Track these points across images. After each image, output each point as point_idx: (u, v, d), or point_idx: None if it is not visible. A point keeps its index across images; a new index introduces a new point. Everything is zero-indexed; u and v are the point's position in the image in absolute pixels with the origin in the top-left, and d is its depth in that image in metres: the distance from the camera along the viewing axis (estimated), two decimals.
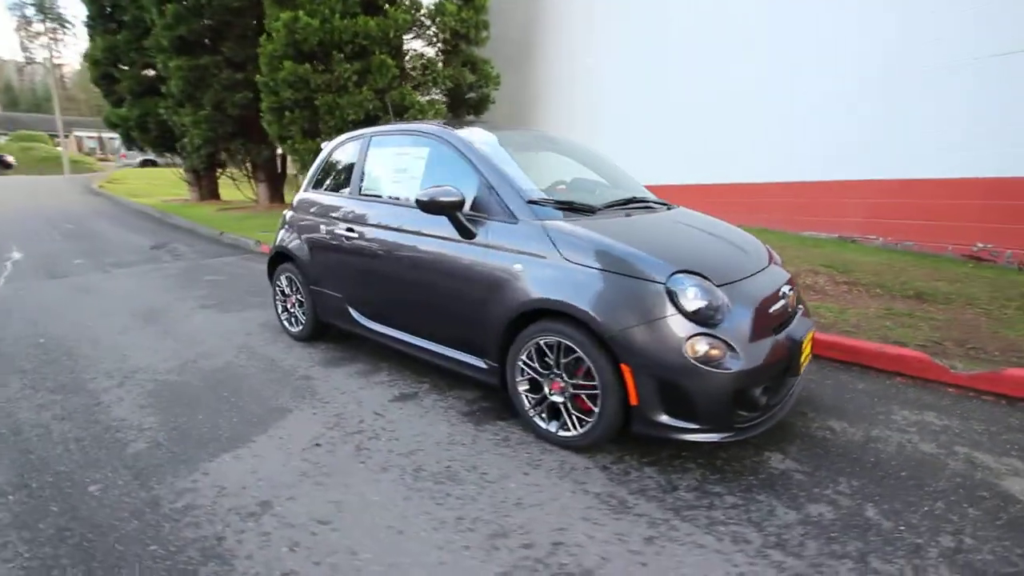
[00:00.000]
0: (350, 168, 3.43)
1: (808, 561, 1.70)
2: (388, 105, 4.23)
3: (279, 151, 13.23)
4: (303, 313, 3.80)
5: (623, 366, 2.10)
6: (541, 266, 2.32)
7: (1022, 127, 4.81)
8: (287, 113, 8.96)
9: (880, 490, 2.07)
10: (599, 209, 2.64)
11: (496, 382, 2.62)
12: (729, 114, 7.22)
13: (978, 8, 5.02)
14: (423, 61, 8.82)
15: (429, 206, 2.55)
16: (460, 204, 2.52)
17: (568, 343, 2.24)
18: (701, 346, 2.03)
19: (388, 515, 1.94)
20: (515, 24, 10.69)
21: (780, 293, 2.39)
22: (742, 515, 1.92)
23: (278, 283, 3.99)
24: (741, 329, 2.11)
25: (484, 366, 2.65)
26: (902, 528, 1.86)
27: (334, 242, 3.37)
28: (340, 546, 1.78)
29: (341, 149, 3.61)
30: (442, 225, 2.69)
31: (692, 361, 2.02)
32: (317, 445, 2.44)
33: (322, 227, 3.49)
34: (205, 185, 14.50)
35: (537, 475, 2.18)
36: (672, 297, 2.09)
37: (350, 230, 3.24)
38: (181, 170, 14.70)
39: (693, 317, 2.07)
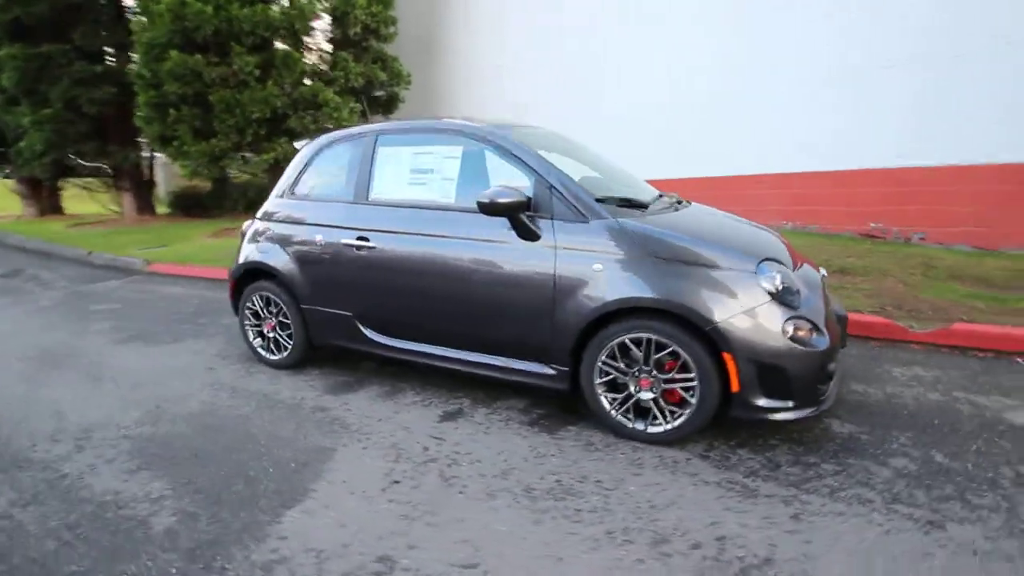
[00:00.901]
0: (350, 171, 3.05)
1: (928, 507, 1.88)
2: (364, 105, 3.82)
3: (146, 154, 11.46)
4: (288, 336, 3.33)
5: (725, 355, 2.14)
6: (626, 264, 2.28)
7: (897, 127, 5.81)
8: (172, 110, 7.77)
9: (930, 438, 2.37)
10: (649, 205, 2.66)
11: (565, 387, 2.53)
12: (647, 117, 7.73)
13: (860, 28, 5.95)
14: (333, 56, 8.17)
15: (491, 208, 2.37)
16: (526, 205, 2.38)
17: (660, 338, 2.24)
18: (794, 328, 2.16)
19: (532, 544, 1.77)
20: (419, 23, 10.39)
21: (823, 275, 2.62)
22: (848, 479, 2.08)
23: (249, 305, 3.44)
24: (817, 309, 2.28)
25: (551, 372, 2.53)
26: (970, 466, 2.14)
27: (336, 254, 2.99)
28: None
29: (331, 150, 3.20)
30: (493, 228, 2.53)
31: (790, 343, 2.13)
32: (395, 482, 2.15)
33: (317, 238, 3.07)
34: (46, 197, 12.04)
35: (648, 474, 2.15)
36: (762, 285, 2.19)
37: (362, 239, 2.90)
38: (11, 181, 12.02)
39: (782, 302, 2.19)
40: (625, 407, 2.39)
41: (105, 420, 2.78)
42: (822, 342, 2.19)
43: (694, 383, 2.22)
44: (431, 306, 2.78)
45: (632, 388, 2.35)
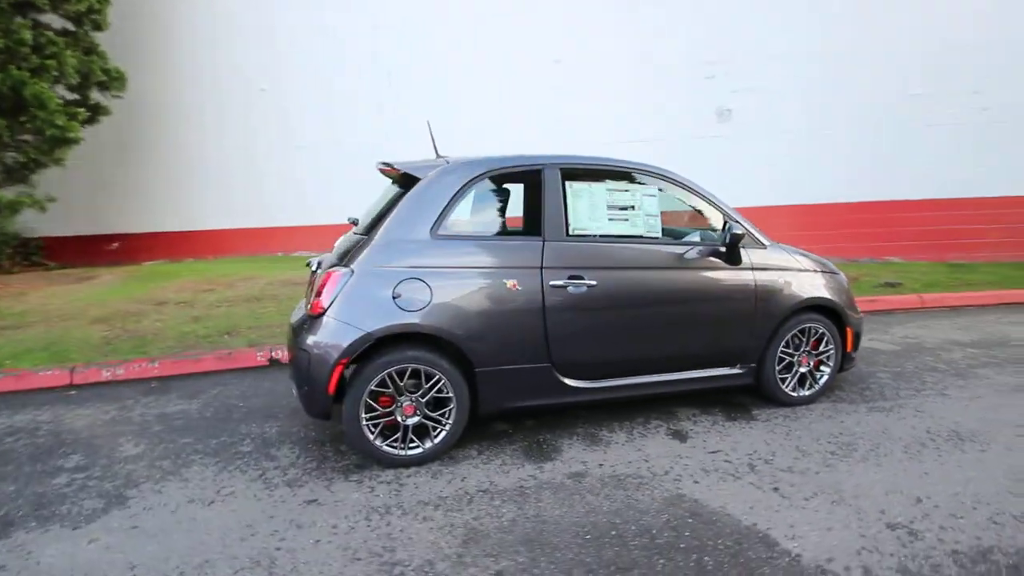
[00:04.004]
0: (531, 206, 2.71)
1: (956, 386, 3.46)
2: (431, 132, 2.93)
3: None
4: (443, 415, 2.56)
5: (848, 329, 3.28)
6: (799, 276, 3.14)
7: None
8: None
9: (887, 362, 4.10)
10: None
11: (751, 381, 3.15)
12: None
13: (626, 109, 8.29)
14: (36, 37, 5.19)
15: (736, 239, 2.81)
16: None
17: (816, 325, 3.19)
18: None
19: (935, 477, 2.41)
20: (125, 10, 7.67)
21: None
22: (900, 383, 3.52)
23: (374, 389, 2.43)
24: None
25: (741, 371, 3.11)
26: (914, 368, 3.91)
27: (536, 298, 2.62)
28: None
29: (493, 182, 2.69)
30: (703, 257, 2.94)
31: (860, 315, 3.46)
32: (776, 488, 2.33)
33: (509, 283, 2.58)
34: None
35: (845, 419, 3.03)
36: (845, 281, 3.44)
37: (575, 278, 2.66)
38: None
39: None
40: (791, 382, 3.22)
41: None
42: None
43: (832, 352, 3.28)
44: (649, 336, 2.87)
45: (797, 366, 3.22)
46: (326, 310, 2.47)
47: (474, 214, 2.79)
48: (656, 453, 2.70)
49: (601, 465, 2.59)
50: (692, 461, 2.61)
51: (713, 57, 7.81)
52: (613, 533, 2.06)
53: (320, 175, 8.45)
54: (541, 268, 2.66)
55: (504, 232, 2.82)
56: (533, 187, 2.79)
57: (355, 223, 3.09)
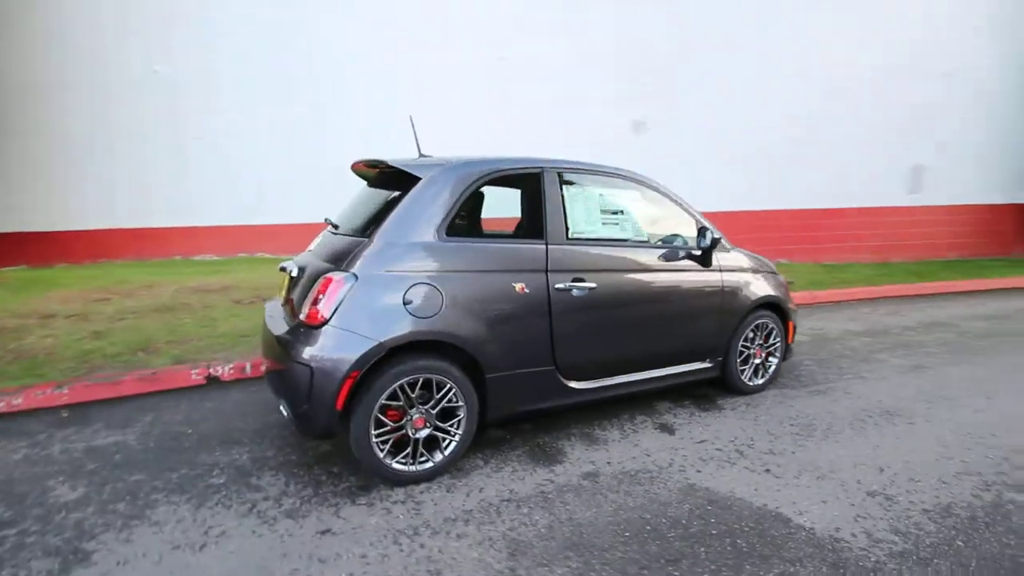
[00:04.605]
0: (532, 208, 2.67)
1: (879, 374, 4.00)
2: (413, 126, 2.67)
3: None
4: (452, 426, 2.46)
5: (789, 323, 3.69)
6: (755, 276, 3.46)
7: None
8: None
9: (825, 352, 4.65)
10: None
11: (718, 373, 3.41)
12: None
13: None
14: None
15: (715, 243, 3.03)
16: None
17: (767, 320, 3.54)
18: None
19: (876, 448, 2.78)
20: None
21: None
22: (839, 375, 4.01)
23: (384, 402, 2.26)
24: None
25: (709, 364, 3.36)
26: (858, 350, 4.51)
27: (543, 302, 2.61)
28: None
29: (494, 183, 2.59)
30: (681, 259, 3.14)
31: (795, 309, 3.90)
32: (767, 470, 2.55)
33: (518, 286, 2.54)
34: None
35: (797, 404, 3.41)
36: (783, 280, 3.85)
37: (578, 280, 2.69)
38: None
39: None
40: (748, 373, 3.54)
41: None
42: None
43: (778, 344, 3.66)
44: (640, 336, 2.99)
45: (753, 358, 3.55)
46: (328, 319, 2.26)
47: (477, 216, 2.71)
48: (653, 447, 2.82)
49: (609, 463, 2.65)
50: (687, 452, 2.77)
51: (634, 78, 8.37)
52: (648, 528, 2.12)
53: (227, 169, 7.66)
54: (546, 271, 2.67)
55: (508, 234, 2.79)
56: (533, 189, 2.77)
57: (333, 224, 2.86)
